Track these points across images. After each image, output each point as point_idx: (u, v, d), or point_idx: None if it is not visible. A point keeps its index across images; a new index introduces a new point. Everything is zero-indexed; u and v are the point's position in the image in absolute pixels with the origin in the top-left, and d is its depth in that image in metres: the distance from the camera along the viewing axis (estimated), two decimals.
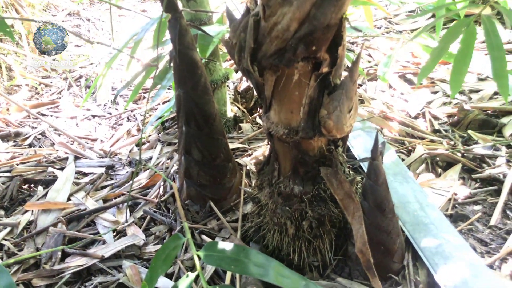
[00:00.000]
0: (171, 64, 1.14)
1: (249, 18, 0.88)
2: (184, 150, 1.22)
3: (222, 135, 1.24)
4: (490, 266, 1.03)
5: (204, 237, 1.20)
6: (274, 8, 0.83)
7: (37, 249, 1.26)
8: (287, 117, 0.95)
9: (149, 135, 1.84)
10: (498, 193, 1.25)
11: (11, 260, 1.18)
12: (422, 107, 1.75)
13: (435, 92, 1.86)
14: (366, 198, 0.97)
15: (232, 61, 2.26)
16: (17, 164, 1.66)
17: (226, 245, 0.76)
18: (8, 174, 1.59)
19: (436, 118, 1.68)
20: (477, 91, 1.79)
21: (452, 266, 0.98)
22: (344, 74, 0.91)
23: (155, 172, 1.51)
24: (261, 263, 0.72)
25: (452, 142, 1.50)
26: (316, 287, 0.70)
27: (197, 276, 0.76)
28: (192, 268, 1.13)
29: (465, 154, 1.41)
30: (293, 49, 0.84)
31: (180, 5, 1.48)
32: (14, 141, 1.89)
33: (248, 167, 1.44)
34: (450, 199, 1.25)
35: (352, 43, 2.40)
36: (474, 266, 0.98)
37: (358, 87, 1.98)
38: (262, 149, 1.56)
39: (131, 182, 1.46)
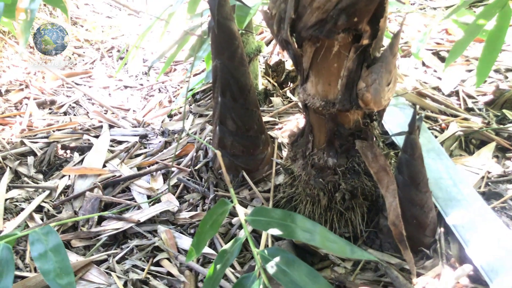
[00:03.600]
0: (209, 35, 1.16)
1: None
2: (219, 121, 1.24)
3: (256, 106, 1.25)
4: None
5: (237, 206, 1.22)
6: None
7: (75, 212, 1.31)
8: (324, 89, 0.96)
9: (180, 107, 1.87)
10: None
11: (53, 224, 1.24)
12: (456, 85, 1.72)
13: (470, 71, 1.83)
14: (401, 172, 0.98)
15: (263, 35, 2.25)
16: (53, 131, 1.71)
17: (272, 211, 0.78)
18: (45, 140, 1.65)
19: (470, 96, 1.66)
20: None
21: (484, 242, 0.98)
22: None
23: (188, 142, 1.54)
24: (307, 228, 0.74)
25: (486, 121, 1.48)
26: (362, 252, 0.72)
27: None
28: (225, 235, 1.16)
29: (499, 133, 1.40)
30: (334, 20, 0.83)
31: None
32: (50, 109, 1.94)
33: (280, 140, 1.45)
34: (483, 177, 1.24)
35: None
36: (507, 243, 0.98)
37: None
38: (293, 123, 1.57)
39: (174, 151, 1.49)
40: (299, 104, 1.49)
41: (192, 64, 1.30)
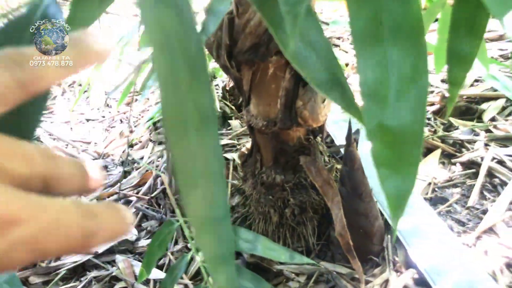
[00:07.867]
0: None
1: (224, 16, 0.92)
2: None
3: None
4: (466, 244, 1.07)
5: (182, 225, 1.24)
6: (246, 6, 0.87)
7: None
8: (265, 109, 1.00)
9: (141, 136, 1.89)
10: (476, 175, 1.29)
11: None
12: None
13: None
14: (343, 184, 1.02)
15: None
16: None
17: None
18: None
19: None
20: None
21: (428, 245, 1.02)
22: None
23: (147, 170, 1.55)
24: (249, 239, 0.79)
25: (433, 129, 1.54)
26: (301, 257, 0.76)
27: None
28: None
29: (445, 140, 1.45)
30: (266, 44, 0.88)
31: None
32: None
33: (235, 162, 1.48)
34: (430, 183, 1.29)
35: (338, 38, 2.44)
36: (450, 245, 1.02)
37: None
38: (249, 144, 1.60)
39: (120, 180, 1.50)
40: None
41: (133, 94, 1.32)
